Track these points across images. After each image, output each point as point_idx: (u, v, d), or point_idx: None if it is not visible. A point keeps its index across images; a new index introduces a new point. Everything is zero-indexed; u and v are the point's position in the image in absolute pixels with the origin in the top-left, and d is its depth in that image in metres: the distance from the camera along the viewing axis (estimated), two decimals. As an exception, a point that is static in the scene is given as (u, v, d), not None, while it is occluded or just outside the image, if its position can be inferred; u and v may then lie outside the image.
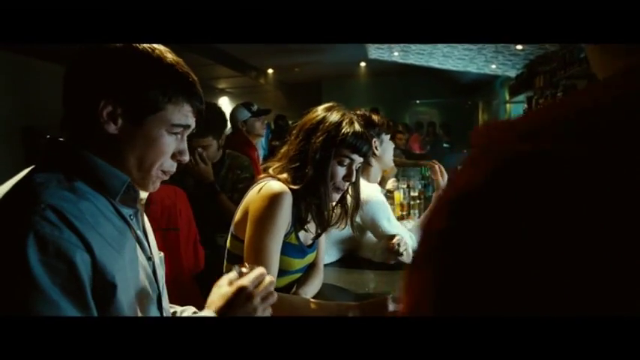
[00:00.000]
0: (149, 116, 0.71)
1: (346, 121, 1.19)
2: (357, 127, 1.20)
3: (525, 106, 5.21)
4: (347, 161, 1.20)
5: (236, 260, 1.20)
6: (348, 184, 1.22)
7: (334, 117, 1.20)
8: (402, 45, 5.41)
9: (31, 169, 0.69)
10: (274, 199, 1.12)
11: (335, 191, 1.21)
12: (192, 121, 0.76)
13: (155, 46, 0.73)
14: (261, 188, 1.17)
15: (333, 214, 1.30)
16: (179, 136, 0.76)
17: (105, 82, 0.70)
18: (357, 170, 1.25)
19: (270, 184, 1.16)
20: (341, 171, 1.20)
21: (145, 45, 0.72)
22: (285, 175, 1.19)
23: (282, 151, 1.25)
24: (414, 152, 6.99)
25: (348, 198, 1.30)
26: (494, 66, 5.76)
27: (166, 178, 0.78)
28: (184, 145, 0.77)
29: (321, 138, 1.17)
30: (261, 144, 3.64)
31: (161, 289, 0.83)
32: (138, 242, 0.76)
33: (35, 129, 5.15)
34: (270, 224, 1.11)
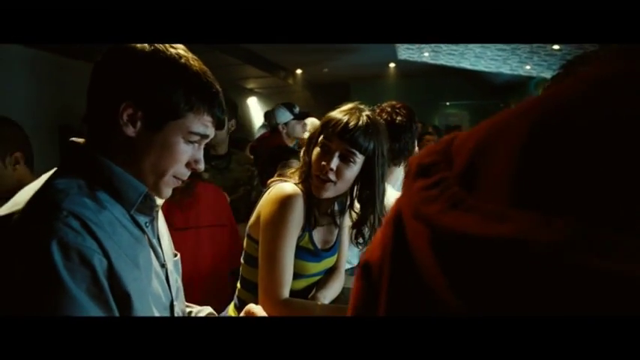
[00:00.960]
0: (168, 122, 0.71)
1: (345, 111, 1.13)
2: (353, 118, 1.11)
3: (561, 108, 5.03)
4: (326, 146, 1.12)
5: (252, 261, 1.19)
6: (330, 173, 1.10)
7: (339, 111, 1.15)
8: (432, 45, 5.31)
9: (53, 174, 0.70)
10: (285, 202, 1.10)
11: (317, 181, 1.12)
12: (211, 131, 0.75)
13: (182, 52, 0.72)
14: (272, 191, 1.15)
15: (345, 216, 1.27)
16: (196, 145, 0.75)
17: (128, 84, 0.70)
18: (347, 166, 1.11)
19: (281, 186, 1.14)
20: (319, 157, 1.12)
21: (172, 50, 0.71)
22: (297, 177, 1.18)
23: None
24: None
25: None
26: (528, 67, 5.59)
27: (179, 184, 0.77)
28: (201, 155, 0.76)
29: (318, 129, 1.16)
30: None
31: (174, 294, 0.83)
32: (152, 250, 0.77)
33: (72, 128, 5.33)
34: (282, 228, 1.09)
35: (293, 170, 1.23)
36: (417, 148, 1.76)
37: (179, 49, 0.73)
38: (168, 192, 0.77)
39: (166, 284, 0.80)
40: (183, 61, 0.72)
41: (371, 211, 1.17)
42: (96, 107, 0.73)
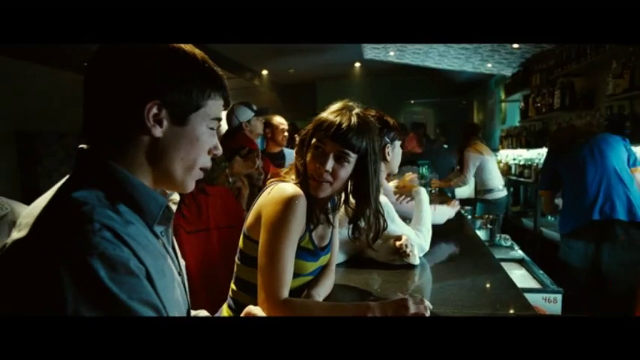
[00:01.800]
0: (191, 114, 0.71)
1: (336, 112, 1.16)
2: (345, 119, 1.13)
3: (522, 104, 5.23)
4: (320, 148, 1.14)
5: (249, 261, 1.18)
6: (326, 174, 1.13)
7: (330, 111, 1.17)
8: (398, 45, 5.40)
9: (66, 186, 0.67)
10: (288, 203, 1.09)
11: (314, 182, 1.15)
12: (222, 114, 0.77)
13: (186, 46, 0.72)
14: (273, 191, 1.14)
15: (338, 214, 1.29)
16: (213, 130, 0.76)
17: (151, 84, 0.68)
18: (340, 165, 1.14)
19: (283, 187, 1.13)
20: (314, 159, 1.15)
21: (175, 44, 0.71)
22: (293, 177, 1.18)
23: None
24: (412, 151, 6.99)
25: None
26: (489, 65, 5.77)
27: (202, 175, 0.77)
28: (217, 139, 0.77)
29: (310, 131, 1.18)
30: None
31: (189, 301, 0.83)
32: (170, 258, 0.76)
33: (29, 133, 5.08)
34: (285, 229, 1.09)
35: (287, 170, 1.23)
36: (398, 149, 1.83)
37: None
38: (193, 185, 0.77)
39: (184, 291, 0.80)
40: (190, 51, 0.72)
41: (367, 206, 1.19)
42: (109, 112, 0.70)
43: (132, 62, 0.68)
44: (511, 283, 1.41)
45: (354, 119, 1.14)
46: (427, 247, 1.73)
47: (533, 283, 2.22)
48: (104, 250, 0.57)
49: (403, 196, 2.02)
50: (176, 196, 0.83)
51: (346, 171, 1.15)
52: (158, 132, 0.69)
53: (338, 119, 1.13)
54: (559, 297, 2.00)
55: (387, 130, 1.75)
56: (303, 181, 1.16)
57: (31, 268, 0.57)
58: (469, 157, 4.31)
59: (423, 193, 1.88)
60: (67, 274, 0.55)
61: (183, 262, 0.86)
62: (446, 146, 6.64)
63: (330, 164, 1.13)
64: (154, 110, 0.68)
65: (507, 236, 2.80)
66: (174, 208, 0.81)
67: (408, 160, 5.30)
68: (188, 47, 0.72)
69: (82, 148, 0.71)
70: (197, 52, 0.74)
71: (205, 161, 0.76)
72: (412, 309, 1.06)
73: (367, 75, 8.26)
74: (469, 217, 3.11)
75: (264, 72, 7.94)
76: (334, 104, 1.20)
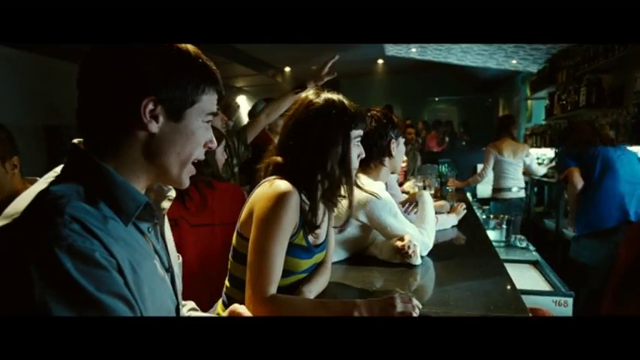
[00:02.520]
0: (187, 110, 0.73)
1: (344, 100, 1.22)
2: (350, 103, 1.23)
3: (547, 102, 5.07)
4: (359, 139, 1.24)
5: (242, 258, 1.18)
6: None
7: (332, 100, 1.20)
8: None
9: (52, 180, 0.68)
10: (280, 200, 1.09)
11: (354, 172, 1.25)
12: (216, 107, 0.79)
13: (181, 44, 0.74)
14: (265, 187, 1.14)
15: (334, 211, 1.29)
16: (209, 124, 0.78)
17: (147, 81, 0.69)
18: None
19: (277, 184, 1.13)
20: (356, 151, 1.24)
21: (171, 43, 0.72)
22: (293, 179, 1.16)
23: (277, 159, 1.22)
24: (432, 150, 6.90)
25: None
26: (514, 61, 5.63)
27: (194, 171, 0.79)
28: (211, 133, 0.79)
29: (333, 129, 1.19)
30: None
31: (179, 298, 0.83)
32: (157, 255, 0.77)
33: (58, 128, 5.28)
34: (275, 226, 1.08)
35: (281, 164, 1.22)
36: (402, 146, 1.83)
37: None
38: (188, 181, 0.78)
39: (172, 289, 0.80)
40: (184, 48, 0.73)
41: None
42: (104, 109, 0.71)
43: (127, 59, 0.69)
44: (511, 286, 1.37)
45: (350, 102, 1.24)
46: (431, 245, 1.71)
47: (544, 286, 2.15)
48: (72, 242, 0.58)
49: (412, 205, 2.02)
50: (172, 193, 0.84)
51: None
52: (154, 127, 0.70)
53: (355, 107, 1.23)
54: (570, 300, 1.93)
55: (391, 126, 1.74)
56: (302, 179, 1.17)
57: (3, 257, 0.59)
58: (487, 154, 4.22)
59: (426, 195, 1.87)
60: (34, 264, 0.56)
61: (177, 259, 0.87)
62: (464, 144, 6.51)
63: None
64: (150, 106, 0.69)
65: (523, 237, 2.73)
66: (167, 205, 0.83)
67: (429, 159, 5.24)
68: (182, 44, 0.74)
69: (73, 143, 0.73)
70: (190, 47, 0.75)
71: (200, 155, 0.78)
72: (399, 308, 1.04)
73: (390, 72, 8.19)
74: (484, 216, 3.05)
75: (287, 69, 7.97)
76: (306, 93, 1.26)
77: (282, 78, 8.14)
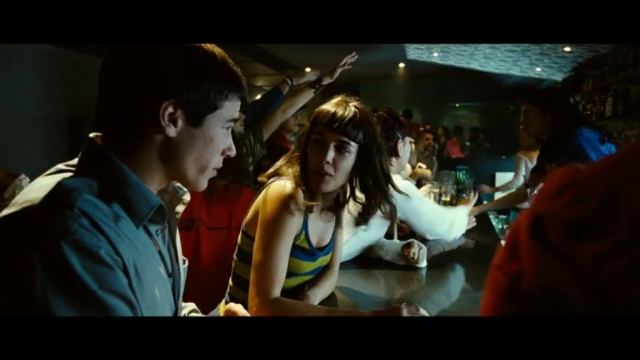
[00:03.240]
0: (208, 115, 0.70)
1: (333, 104, 1.14)
2: (340, 109, 1.11)
3: (571, 111, 4.96)
4: (319, 140, 1.12)
5: (246, 257, 1.17)
6: (327, 166, 1.10)
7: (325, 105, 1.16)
8: (442, 46, 5.27)
9: (66, 173, 0.67)
10: (285, 200, 1.08)
11: (316, 176, 1.12)
12: (238, 114, 0.76)
13: (206, 45, 0.71)
14: (270, 188, 1.13)
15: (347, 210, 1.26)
16: (228, 130, 0.75)
17: (168, 83, 0.67)
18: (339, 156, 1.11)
19: (281, 184, 1.12)
20: (314, 152, 1.13)
21: (197, 44, 0.70)
22: (292, 175, 1.15)
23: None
24: (452, 156, 6.81)
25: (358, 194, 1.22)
26: (539, 69, 5.52)
27: (215, 174, 0.77)
28: (231, 140, 0.76)
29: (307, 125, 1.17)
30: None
31: (179, 304, 0.82)
32: (161, 259, 0.75)
33: (80, 120, 5.38)
34: (281, 226, 1.07)
35: (283, 162, 1.21)
36: (411, 147, 1.82)
37: None
38: (205, 184, 0.76)
39: (172, 294, 0.79)
40: (211, 50, 0.71)
41: (380, 197, 1.17)
42: (122, 108, 0.68)
43: (149, 59, 0.67)
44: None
45: (350, 109, 1.12)
46: (464, 223, 1.82)
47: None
48: (80, 238, 0.57)
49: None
50: (187, 196, 0.82)
51: (347, 162, 1.12)
52: (172, 132, 0.68)
53: (334, 109, 1.12)
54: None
55: (398, 126, 1.73)
56: (303, 177, 1.14)
57: (8, 246, 0.58)
58: (517, 161, 4.12)
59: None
60: (39, 257, 0.55)
61: (184, 264, 0.85)
62: (481, 151, 6.40)
63: (330, 155, 1.10)
64: (170, 109, 0.66)
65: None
66: (181, 208, 0.81)
67: (446, 165, 5.16)
68: (208, 45, 0.71)
69: (90, 137, 0.71)
70: (217, 50, 0.72)
71: (218, 162, 0.75)
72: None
73: (411, 76, 8.12)
74: (500, 226, 2.98)
75: (307, 69, 7.98)
76: (332, 99, 1.18)
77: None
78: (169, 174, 0.73)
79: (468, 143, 7.29)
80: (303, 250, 1.17)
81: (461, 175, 4.58)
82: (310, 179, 1.13)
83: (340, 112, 1.10)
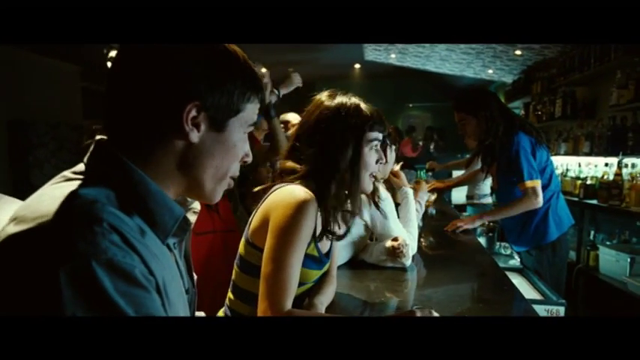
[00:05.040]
0: (231, 119, 0.65)
1: (358, 103, 1.18)
2: (366, 105, 1.19)
3: (522, 112, 5.20)
4: (377, 143, 1.18)
5: (250, 269, 1.11)
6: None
7: (344, 102, 1.16)
8: (399, 47, 5.36)
9: (73, 181, 0.59)
10: (300, 208, 1.02)
11: (369, 179, 1.19)
12: (256, 117, 0.71)
13: (227, 44, 0.66)
14: (282, 194, 1.07)
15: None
16: (246, 135, 0.70)
17: (192, 85, 0.61)
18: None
19: (294, 189, 1.06)
20: (374, 156, 1.18)
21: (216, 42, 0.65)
22: (308, 185, 1.10)
23: (289, 164, 1.16)
24: (406, 156, 6.96)
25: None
26: (490, 71, 5.75)
27: (232, 185, 0.72)
28: (248, 145, 0.71)
29: (345, 132, 1.13)
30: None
31: None
32: (180, 273, 0.69)
33: (20, 122, 4.99)
34: (295, 235, 1.01)
35: (292, 177, 1.14)
36: (393, 153, 1.83)
37: None
38: (220, 196, 0.71)
39: (189, 309, 0.73)
40: (234, 51, 0.66)
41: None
42: (140, 112, 0.62)
43: (170, 58, 0.61)
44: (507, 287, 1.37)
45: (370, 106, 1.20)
46: (415, 248, 1.75)
47: (534, 294, 2.16)
48: (112, 257, 0.50)
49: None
50: (197, 205, 0.76)
51: None
52: (195, 137, 0.63)
53: (369, 108, 1.18)
54: (562, 309, 1.94)
55: (387, 135, 1.75)
56: (318, 184, 1.10)
57: (26, 268, 0.49)
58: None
59: (410, 194, 1.87)
60: (67, 279, 0.47)
61: (194, 276, 0.79)
62: (432, 150, 6.60)
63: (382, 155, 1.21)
64: (193, 112, 0.61)
65: (507, 244, 2.76)
66: (193, 218, 0.75)
67: (406, 165, 5.26)
68: (229, 45, 0.66)
69: (99, 140, 0.63)
70: (238, 50, 0.67)
71: (236, 170, 0.71)
72: None
73: (367, 76, 8.22)
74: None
75: (263, 70, 7.88)
76: (323, 93, 1.20)
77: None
78: (185, 184, 0.67)
79: (420, 143, 7.47)
80: (313, 259, 1.14)
81: (422, 174, 4.68)
82: (363, 184, 1.16)
83: (375, 111, 1.19)
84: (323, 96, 1.19)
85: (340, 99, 1.17)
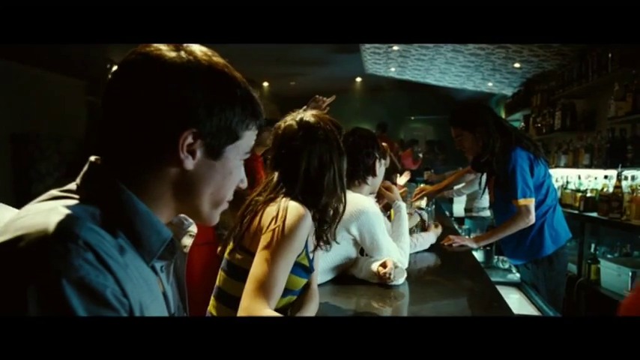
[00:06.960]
0: (228, 146, 0.64)
1: (333, 126, 1.23)
2: (327, 116, 1.25)
3: (522, 124, 5.21)
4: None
5: (242, 275, 1.11)
6: None
7: (317, 126, 1.20)
8: (399, 60, 5.40)
9: (59, 196, 0.59)
10: (297, 220, 1.08)
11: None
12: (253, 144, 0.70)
13: (224, 62, 0.64)
14: (284, 206, 1.12)
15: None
16: (242, 162, 0.69)
17: (189, 109, 0.59)
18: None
19: (292, 204, 1.12)
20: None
21: (216, 60, 0.63)
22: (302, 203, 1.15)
23: (275, 180, 1.20)
24: (407, 168, 6.96)
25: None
26: (490, 84, 5.77)
27: (226, 207, 0.71)
28: (244, 172, 0.70)
29: (327, 154, 1.19)
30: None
31: None
32: (164, 297, 0.67)
33: (24, 135, 5.04)
34: (287, 245, 1.06)
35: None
36: (383, 167, 1.82)
37: (213, 55, 0.63)
38: (217, 219, 0.70)
39: None
40: (235, 76, 0.64)
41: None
42: (134, 136, 0.60)
43: (169, 81, 0.59)
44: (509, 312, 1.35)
45: None
46: (406, 264, 1.71)
47: (531, 310, 2.14)
48: (84, 276, 0.49)
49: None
50: (194, 228, 0.75)
51: None
52: (190, 164, 0.61)
53: (333, 119, 1.26)
54: (558, 324, 1.92)
55: (377, 147, 1.78)
56: (312, 199, 1.16)
57: (1, 278, 0.49)
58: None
59: (403, 209, 1.86)
60: (34, 295, 0.47)
61: (186, 299, 0.78)
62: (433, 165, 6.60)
63: None
64: (190, 139, 0.60)
65: (505, 258, 2.73)
66: (189, 241, 0.74)
67: (413, 178, 5.26)
68: (229, 69, 0.64)
69: (92, 161, 0.62)
70: (238, 75, 0.65)
71: (231, 195, 0.69)
72: None
73: (368, 90, 8.28)
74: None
75: (265, 83, 7.95)
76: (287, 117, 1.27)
77: (260, 92, 8.09)
78: (181, 209, 0.66)
79: (420, 155, 7.48)
80: (302, 268, 1.18)
81: (421, 186, 4.66)
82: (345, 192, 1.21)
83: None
84: (289, 119, 1.27)
85: (308, 119, 1.25)
